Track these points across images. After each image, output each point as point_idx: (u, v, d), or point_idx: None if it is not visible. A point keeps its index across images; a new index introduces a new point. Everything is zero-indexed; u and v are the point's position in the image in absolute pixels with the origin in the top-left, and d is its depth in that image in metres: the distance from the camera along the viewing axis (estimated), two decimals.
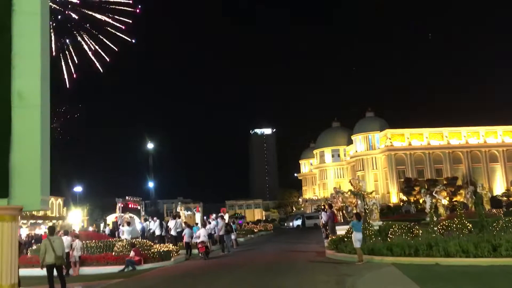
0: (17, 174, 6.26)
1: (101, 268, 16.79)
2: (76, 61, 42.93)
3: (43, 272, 11.89)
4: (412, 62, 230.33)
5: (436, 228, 16.94)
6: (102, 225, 50.59)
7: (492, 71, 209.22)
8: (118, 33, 42.83)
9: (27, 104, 6.29)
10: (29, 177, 6.26)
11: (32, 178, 6.29)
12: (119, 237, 22.76)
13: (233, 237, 25.41)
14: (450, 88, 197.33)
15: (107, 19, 42.08)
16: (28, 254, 19.42)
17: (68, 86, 44.91)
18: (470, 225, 16.63)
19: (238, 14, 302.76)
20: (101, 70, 43.37)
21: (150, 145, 74.19)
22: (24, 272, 14.99)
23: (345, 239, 17.63)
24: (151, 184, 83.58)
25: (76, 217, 63.07)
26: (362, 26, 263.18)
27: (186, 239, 21.10)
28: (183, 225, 22.85)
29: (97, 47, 42.97)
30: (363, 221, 17.17)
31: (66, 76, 43.46)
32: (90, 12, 41.67)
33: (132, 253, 16.60)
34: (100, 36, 42.74)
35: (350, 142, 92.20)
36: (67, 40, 42.68)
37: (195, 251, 21.25)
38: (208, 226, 23.55)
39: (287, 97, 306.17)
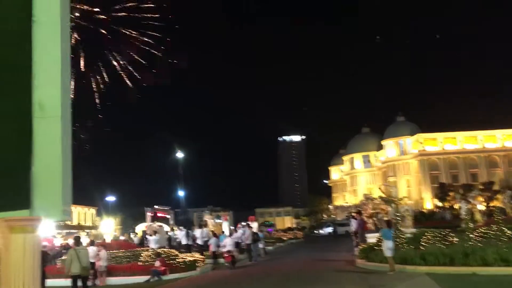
0: (38, 184, 6.13)
1: (127, 278, 16.64)
2: (105, 76, 43.61)
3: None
4: (444, 64, 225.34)
5: (472, 235, 16.05)
6: (132, 234, 51.12)
7: None
8: (147, 47, 43.28)
9: (48, 114, 6.17)
10: (50, 187, 6.12)
11: (53, 189, 6.15)
12: (147, 246, 22.73)
13: (260, 245, 24.98)
14: (484, 89, 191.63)
15: (136, 34, 42.58)
16: (58, 264, 19.53)
17: (98, 101, 45.70)
18: (510, 232, 15.69)
19: (265, 23, 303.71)
20: (131, 85, 43.87)
21: (179, 154, 74.84)
22: (54, 283, 15.00)
23: (376, 248, 16.96)
24: (181, 193, 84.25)
25: (108, 226, 63.97)
26: (392, 31, 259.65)
27: (212, 248, 20.80)
28: (210, 234, 22.61)
29: (124, 61, 43.53)
30: (394, 229, 16.48)
31: (95, 89, 44.19)
32: (119, 28, 42.28)
33: (157, 263, 16.40)
34: (130, 52, 43.29)
35: (380, 147, 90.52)
36: (97, 58, 43.48)
37: (221, 260, 20.94)
38: (234, 235, 23.24)
39: (315, 103, 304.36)
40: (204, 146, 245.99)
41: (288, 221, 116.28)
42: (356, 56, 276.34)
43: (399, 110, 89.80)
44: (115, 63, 42.52)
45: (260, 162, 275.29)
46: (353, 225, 24.39)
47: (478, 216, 28.87)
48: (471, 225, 19.08)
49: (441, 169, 79.26)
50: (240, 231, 24.03)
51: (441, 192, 70.73)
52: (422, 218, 53.48)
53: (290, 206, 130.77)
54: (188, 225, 39.03)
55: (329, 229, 63.11)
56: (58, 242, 42.46)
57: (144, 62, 43.60)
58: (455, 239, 16.22)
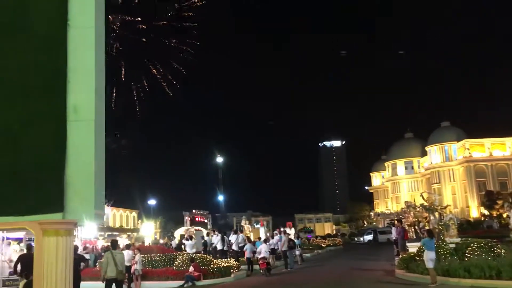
0: (72, 188, 6.14)
1: (162, 282, 16.68)
2: (146, 84, 44.56)
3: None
4: (492, 66, 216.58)
5: None
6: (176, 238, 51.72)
7: None
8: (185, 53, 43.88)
9: (82, 118, 6.19)
10: (83, 191, 6.13)
11: (86, 192, 6.15)
12: (185, 250, 22.83)
13: (297, 252, 24.57)
14: None
15: (175, 43, 43.31)
16: (97, 266, 19.91)
17: (138, 109, 46.73)
18: None
19: (301, 30, 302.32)
20: (171, 94, 44.64)
21: (219, 159, 75.50)
22: (91, 285, 15.22)
23: (417, 258, 16.26)
24: (220, 198, 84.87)
25: (149, 230, 65.09)
26: (437, 33, 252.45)
27: (247, 254, 20.60)
28: (246, 239, 22.45)
29: (163, 70, 44.32)
30: (436, 238, 15.77)
31: (135, 97, 45.21)
32: (160, 37, 43.12)
33: (191, 268, 16.37)
34: (170, 61, 44.06)
35: (424, 153, 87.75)
36: (138, 67, 44.53)
37: (256, 267, 20.71)
38: (271, 241, 22.96)
39: (356, 108, 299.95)
40: (246, 152, 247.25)
41: (328, 228, 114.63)
42: (399, 60, 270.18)
43: (443, 114, 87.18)
44: (155, 71, 43.36)
45: (300, 167, 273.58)
46: (393, 233, 23.64)
47: None
48: None
49: (488, 176, 75.91)
50: (276, 237, 23.74)
51: (488, 200, 67.67)
52: (468, 227, 51.45)
53: (330, 213, 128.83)
54: (227, 230, 39.05)
55: (369, 237, 61.57)
56: (101, 244, 43.61)
57: (183, 71, 44.19)
58: (502, 250, 15.27)
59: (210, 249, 23.70)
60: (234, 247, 22.38)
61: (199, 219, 46.32)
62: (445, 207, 24.21)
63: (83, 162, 6.22)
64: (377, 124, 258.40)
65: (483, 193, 72.12)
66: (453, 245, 16.95)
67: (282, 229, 25.66)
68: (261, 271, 19.48)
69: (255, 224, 45.23)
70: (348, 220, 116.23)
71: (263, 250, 19.61)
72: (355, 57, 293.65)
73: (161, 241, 54.99)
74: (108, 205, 63.74)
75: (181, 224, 55.13)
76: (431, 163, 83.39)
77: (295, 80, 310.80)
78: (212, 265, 17.72)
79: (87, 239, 39.69)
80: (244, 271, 20.06)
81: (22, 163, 6.06)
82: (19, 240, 20.01)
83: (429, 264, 13.66)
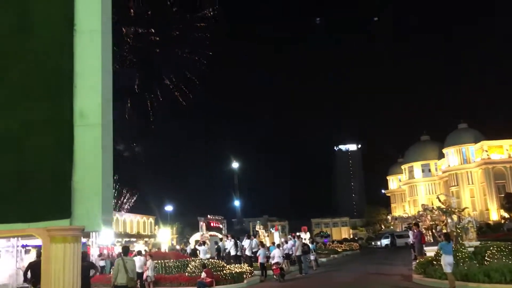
0: (79, 194, 6.06)
1: None
2: (159, 94, 44.81)
3: None
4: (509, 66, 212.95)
5: None
6: (191, 242, 51.76)
7: None
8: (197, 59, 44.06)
9: (89, 122, 6.11)
10: (90, 197, 6.04)
11: (93, 198, 6.06)
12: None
13: (312, 257, 24.26)
14: None
15: (187, 54, 43.51)
16: (111, 273, 19.91)
17: (151, 119, 47.04)
18: None
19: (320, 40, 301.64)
20: (184, 103, 44.76)
21: (235, 164, 75.57)
22: None
23: (434, 262, 15.88)
24: (237, 203, 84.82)
25: (165, 236, 65.24)
26: (455, 32, 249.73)
27: (261, 259, 20.38)
28: (259, 244, 22.23)
29: (176, 80, 44.54)
30: (455, 242, 15.39)
31: (149, 107, 45.51)
32: (173, 47, 43.34)
33: (203, 274, 16.22)
34: (183, 70, 44.28)
35: (441, 156, 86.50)
36: (151, 77, 44.89)
37: (270, 272, 20.48)
38: (285, 246, 22.73)
39: (372, 111, 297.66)
40: (262, 156, 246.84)
41: (345, 232, 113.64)
42: (413, 61, 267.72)
43: (460, 116, 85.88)
44: (168, 82, 43.61)
45: (317, 171, 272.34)
46: (410, 237, 23.21)
47: None
48: None
49: (507, 178, 74.40)
50: (290, 242, 23.51)
51: (508, 202, 66.31)
52: (487, 230, 50.38)
53: (347, 217, 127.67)
54: (243, 235, 38.95)
55: (386, 241, 60.72)
56: (117, 250, 43.81)
57: (196, 81, 44.34)
58: None
59: (224, 254, 23.58)
60: (248, 252, 22.18)
61: (214, 224, 46.23)
62: (463, 210, 23.65)
63: (90, 168, 6.15)
64: (393, 127, 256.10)
65: (503, 195, 70.78)
66: (472, 249, 16.53)
67: (297, 234, 25.41)
68: (274, 276, 19.23)
69: (271, 229, 45.01)
70: (365, 224, 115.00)
71: (276, 255, 19.39)
72: (368, 59, 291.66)
73: (178, 247, 55.11)
74: (124, 211, 64.22)
75: (198, 229, 55.21)
76: (449, 165, 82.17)
77: (309, 84, 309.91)
78: (224, 271, 17.55)
79: (104, 245, 39.88)
80: (257, 276, 19.83)
81: (29, 169, 6.01)
82: (39, 247, 20.14)
83: (447, 269, 13.30)
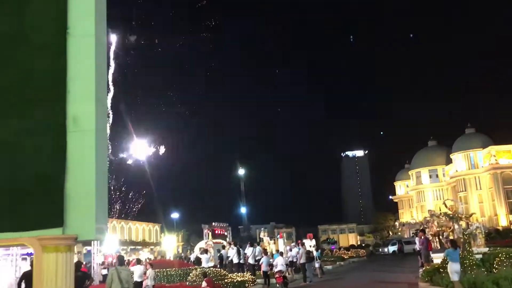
0: (72, 202, 5.91)
1: None
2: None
3: None
4: None
5: None
6: (196, 250, 51.49)
7: None
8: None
9: (82, 128, 5.98)
10: (83, 205, 5.88)
11: (87, 206, 5.91)
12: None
13: (317, 265, 23.91)
14: None
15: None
16: None
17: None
18: None
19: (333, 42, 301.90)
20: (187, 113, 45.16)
21: (241, 171, 75.42)
22: None
23: (441, 270, 15.54)
24: (243, 210, 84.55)
25: (170, 243, 65.09)
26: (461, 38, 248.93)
27: (263, 267, 20.05)
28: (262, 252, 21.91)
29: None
30: (462, 249, 15.06)
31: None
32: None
33: (204, 284, 15.93)
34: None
35: (449, 161, 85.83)
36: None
37: (273, 280, 20.15)
38: (289, 254, 22.44)
39: (378, 117, 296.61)
40: (268, 163, 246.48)
41: (352, 239, 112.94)
42: (421, 65, 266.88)
43: (468, 121, 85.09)
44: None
45: (323, 178, 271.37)
46: (417, 243, 22.87)
47: None
48: None
49: None
50: (295, 250, 23.21)
51: None
52: (496, 236, 49.74)
53: (354, 223, 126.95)
54: (251, 242, 38.72)
55: (394, 247, 60.12)
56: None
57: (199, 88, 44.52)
58: None
59: (227, 262, 23.31)
60: (250, 260, 21.87)
61: (219, 232, 45.93)
62: (470, 215, 23.28)
63: (84, 175, 6.00)
64: (399, 133, 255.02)
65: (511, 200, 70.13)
66: (480, 256, 16.18)
67: (301, 241, 25.09)
68: (277, 285, 18.93)
69: (278, 237, 44.75)
70: (373, 231, 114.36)
71: (279, 263, 19.08)
72: (374, 62, 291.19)
73: (183, 255, 54.91)
74: (130, 219, 64.23)
75: (204, 237, 54.96)
76: (456, 170, 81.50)
77: (316, 87, 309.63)
78: (226, 280, 17.23)
79: (108, 253, 39.81)
80: (260, 285, 19.52)
81: (20, 176, 5.87)
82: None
83: (454, 277, 12.98)
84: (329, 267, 30.38)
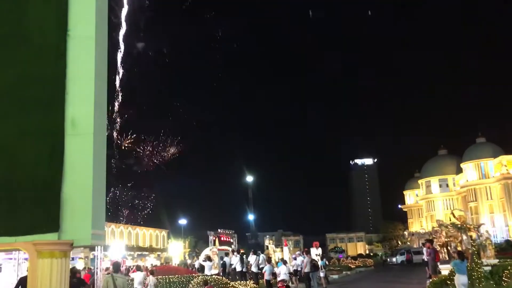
0: (68, 206, 5.79)
1: None
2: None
3: None
4: None
5: None
6: (200, 258, 51.27)
7: None
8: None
9: (80, 131, 5.88)
10: (80, 209, 5.76)
11: (83, 211, 5.79)
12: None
13: (321, 274, 23.54)
14: None
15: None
16: None
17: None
18: None
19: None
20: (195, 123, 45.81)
21: (249, 178, 75.29)
22: None
23: (448, 282, 15.22)
24: (251, 217, 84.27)
25: (177, 250, 64.89)
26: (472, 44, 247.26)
27: (266, 276, 19.79)
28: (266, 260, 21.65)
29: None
30: (470, 260, 14.73)
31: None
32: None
33: None
34: None
35: (459, 170, 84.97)
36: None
37: None
38: (293, 262, 22.14)
39: (387, 125, 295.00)
40: (277, 170, 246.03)
41: (360, 247, 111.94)
42: (429, 73, 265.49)
43: (478, 130, 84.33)
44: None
45: (332, 186, 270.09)
46: (424, 254, 22.44)
47: None
48: None
49: None
50: (300, 258, 22.90)
51: None
52: (507, 248, 48.86)
53: (362, 232, 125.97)
54: (257, 249, 38.41)
55: (402, 257, 59.36)
56: (129, 263, 43.67)
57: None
58: None
59: (230, 270, 23.04)
60: (253, 269, 21.59)
61: (224, 239, 45.68)
62: (479, 226, 22.82)
63: (81, 179, 5.89)
64: (409, 142, 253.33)
65: None
66: (489, 268, 15.82)
67: (306, 249, 24.77)
68: None
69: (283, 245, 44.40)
70: (382, 240, 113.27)
71: (282, 272, 18.81)
72: (383, 72, 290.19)
73: (189, 261, 54.72)
74: (137, 225, 64.21)
75: (213, 243, 54.61)
76: (467, 180, 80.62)
77: (327, 97, 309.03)
78: None
79: (114, 259, 39.76)
80: None
81: (16, 180, 5.78)
82: None
83: None
84: (335, 276, 29.98)
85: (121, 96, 56.86)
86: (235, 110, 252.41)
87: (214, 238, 40.06)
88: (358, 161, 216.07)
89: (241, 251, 23.65)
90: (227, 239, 46.67)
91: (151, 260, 54.22)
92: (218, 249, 34.26)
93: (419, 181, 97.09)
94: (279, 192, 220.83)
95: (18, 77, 6.02)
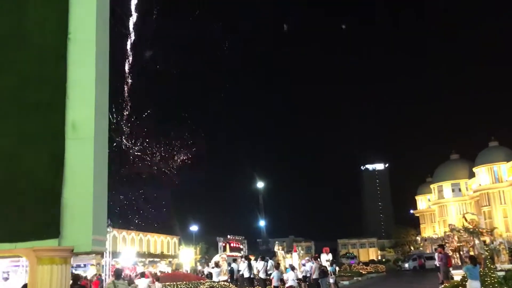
0: (69, 212, 5.70)
1: None
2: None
3: None
4: None
5: None
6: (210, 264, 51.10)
7: None
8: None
9: (81, 136, 5.79)
10: (81, 215, 5.67)
11: (84, 217, 5.70)
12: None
13: (331, 280, 23.23)
14: None
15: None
16: None
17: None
18: None
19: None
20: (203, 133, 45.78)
21: (260, 184, 75.14)
22: None
23: (460, 287, 14.89)
24: (262, 223, 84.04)
25: (188, 256, 64.86)
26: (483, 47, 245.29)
27: (274, 283, 19.57)
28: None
29: None
30: (483, 265, 14.42)
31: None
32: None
33: None
34: None
35: (472, 175, 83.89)
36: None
37: None
38: (302, 268, 21.90)
39: (399, 130, 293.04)
40: (288, 176, 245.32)
41: (372, 253, 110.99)
42: (441, 76, 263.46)
43: (491, 134, 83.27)
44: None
45: (343, 191, 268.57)
46: (436, 259, 22.06)
47: None
48: None
49: None
50: (309, 264, 22.63)
51: None
52: None
53: (374, 237, 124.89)
54: (268, 255, 38.16)
55: (414, 263, 58.62)
56: (140, 270, 43.69)
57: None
58: None
59: (238, 276, 22.85)
60: (261, 275, 21.37)
61: (234, 245, 45.49)
62: (492, 230, 22.35)
63: (81, 184, 5.80)
64: (421, 146, 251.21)
65: None
66: (503, 273, 15.47)
67: (316, 255, 24.51)
68: None
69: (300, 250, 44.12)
70: (394, 245, 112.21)
71: (290, 278, 18.60)
72: (394, 75, 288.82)
73: (199, 268, 54.58)
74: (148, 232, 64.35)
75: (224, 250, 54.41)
76: (480, 185, 79.56)
77: (337, 101, 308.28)
78: None
79: (125, 266, 39.82)
80: None
81: (16, 185, 5.71)
82: None
83: None
84: (346, 282, 29.62)
85: (129, 105, 57.26)
86: (245, 116, 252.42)
87: (224, 244, 39.90)
88: (369, 166, 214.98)
89: (250, 257, 23.43)
90: (237, 245, 46.47)
91: (162, 267, 54.22)
92: (227, 255, 34.07)
93: (431, 186, 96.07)
94: (290, 198, 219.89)
95: (17, 79, 5.97)
